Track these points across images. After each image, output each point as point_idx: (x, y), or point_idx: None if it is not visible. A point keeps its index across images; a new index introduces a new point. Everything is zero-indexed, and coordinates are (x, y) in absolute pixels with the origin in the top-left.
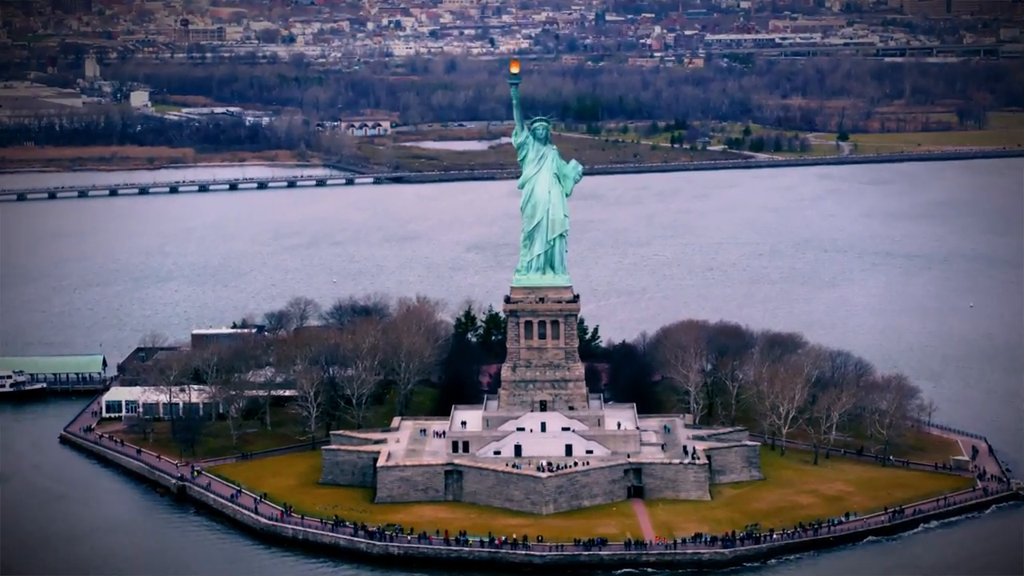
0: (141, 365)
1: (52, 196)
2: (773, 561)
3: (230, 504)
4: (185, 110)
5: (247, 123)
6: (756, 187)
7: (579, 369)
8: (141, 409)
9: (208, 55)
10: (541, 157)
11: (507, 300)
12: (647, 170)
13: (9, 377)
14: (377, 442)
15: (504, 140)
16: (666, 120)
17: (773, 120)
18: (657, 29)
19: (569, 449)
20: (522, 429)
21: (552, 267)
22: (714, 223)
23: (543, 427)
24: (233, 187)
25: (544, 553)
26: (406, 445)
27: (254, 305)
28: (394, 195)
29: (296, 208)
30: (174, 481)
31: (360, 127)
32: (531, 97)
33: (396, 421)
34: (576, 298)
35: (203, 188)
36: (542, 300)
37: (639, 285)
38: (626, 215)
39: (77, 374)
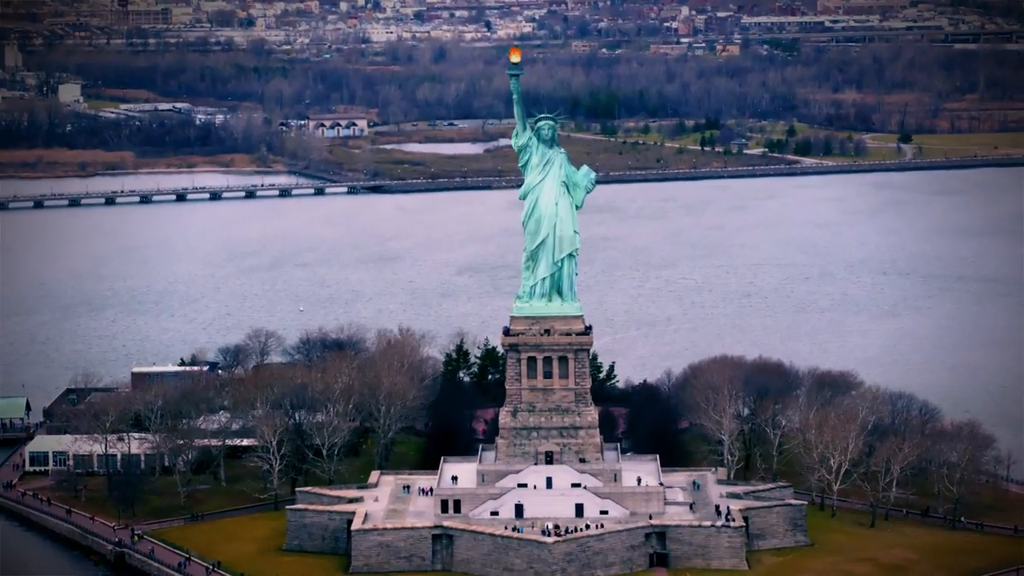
0: (71, 409)
1: None
2: None
3: (177, 575)
4: (124, 106)
5: (197, 122)
6: (802, 198)
7: (592, 414)
8: (72, 462)
9: (151, 41)
10: (546, 162)
11: (506, 332)
12: (672, 178)
13: None
14: (352, 501)
15: (503, 142)
16: (695, 118)
17: (822, 119)
18: (684, 10)
19: (580, 509)
20: (524, 485)
21: (560, 293)
22: (752, 241)
23: (549, 483)
24: (181, 198)
25: None
26: (386, 504)
27: (206, 338)
28: (372, 207)
29: (256, 223)
30: (111, 547)
31: (332, 127)
32: (535, 91)
33: (375, 476)
34: (588, 330)
35: (145, 199)
36: (548, 332)
37: (663, 314)
38: (647, 231)
39: None
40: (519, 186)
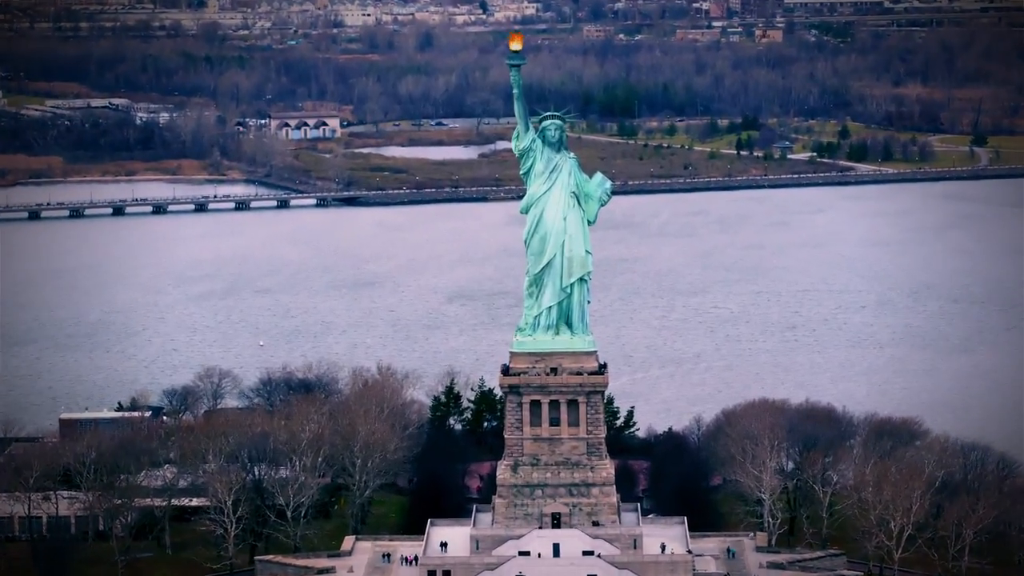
0: None
1: None
2: None
3: None
4: (50, 103)
5: (138, 121)
6: (856, 212)
7: (607, 469)
8: None
9: (83, 25)
10: (553, 169)
11: (505, 371)
12: (703, 187)
13: None
14: (322, 572)
15: (501, 145)
16: (729, 117)
17: (880, 117)
18: None
19: None
20: (526, 554)
21: (569, 325)
22: (797, 263)
23: (556, 551)
24: (119, 211)
25: None
26: (363, 575)
27: (148, 378)
28: (346, 223)
29: (208, 241)
30: None
31: (298, 127)
32: (539, 85)
33: (349, 542)
34: (603, 368)
35: (76, 213)
36: (555, 371)
37: (691, 350)
38: (673, 251)
39: None
40: (520, 197)
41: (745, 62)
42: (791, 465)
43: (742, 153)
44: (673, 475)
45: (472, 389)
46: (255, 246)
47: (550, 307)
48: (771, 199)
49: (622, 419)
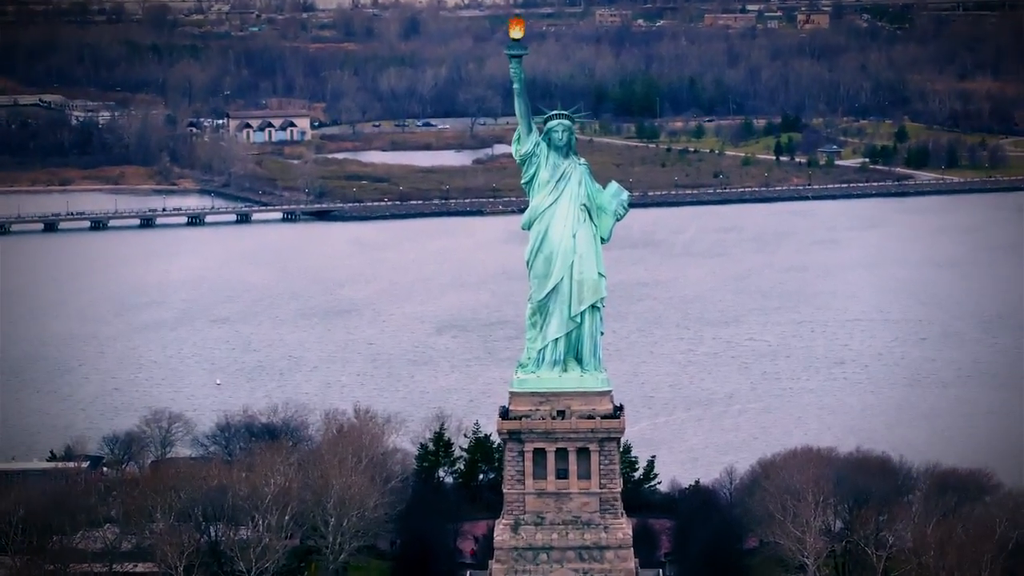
0: None
1: None
2: None
3: None
4: None
5: (74, 121)
6: (916, 227)
7: (623, 529)
8: None
9: (9, 9)
10: (560, 178)
11: (504, 415)
12: (736, 199)
13: None
14: None
15: (500, 150)
16: (767, 116)
17: (944, 117)
18: None
19: None
20: None
21: (579, 360)
22: (847, 287)
23: None
24: (51, 227)
25: None
26: None
27: (85, 423)
28: (317, 240)
29: (155, 262)
30: None
31: (261, 128)
32: (544, 78)
33: None
34: (619, 411)
35: (1, 229)
36: (562, 414)
37: (723, 390)
38: (701, 273)
39: None
40: (521, 211)
41: (785, 52)
42: (839, 525)
43: (782, 159)
44: (701, 536)
45: (465, 435)
46: (211, 268)
47: (557, 339)
48: (816, 212)
49: (641, 470)
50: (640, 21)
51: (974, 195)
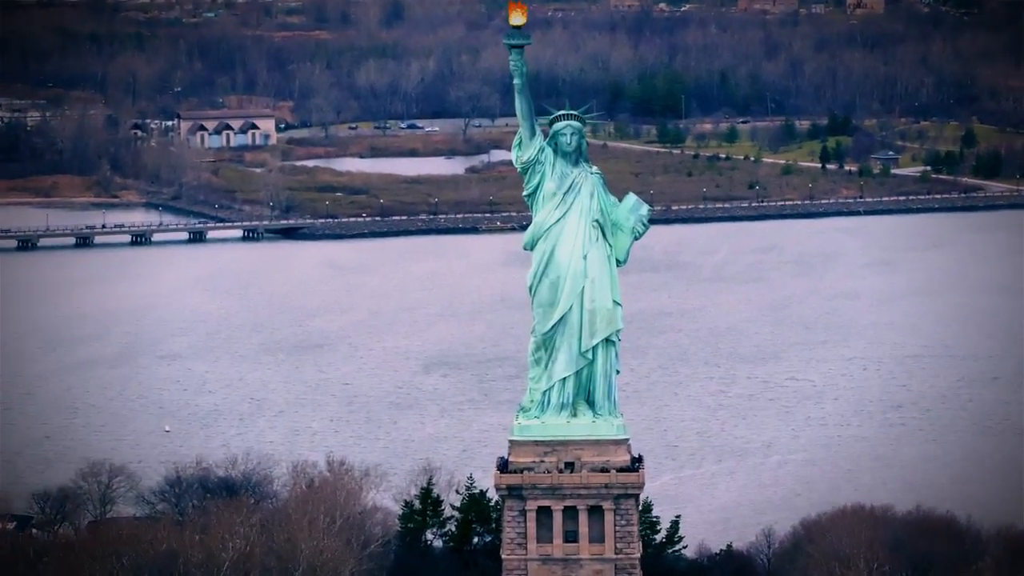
0: None
1: None
2: None
3: None
4: None
5: None
6: (985, 247)
7: None
8: None
9: None
10: (569, 189)
11: (503, 467)
12: (775, 214)
13: None
14: None
15: (498, 156)
16: (811, 118)
17: (1020, 118)
18: None
19: None
20: None
21: (590, 403)
22: (904, 318)
23: None
24: None
25: None
26: None
27: (11, 477)
28: (284, 263)
29: (93, 287)
30: None
31: (218, 130)
32: (550, 73)
33: None
34: (637, 463)
35: None
36: (571, 467)
37: (759, 438)
38: (734, 301)
39: None
40: (523, 228)
41: (833, 41)
42: None
43: (828, 167)
44: None
45: (457, 492)
46: (159, 295)
47: (564, 379)
48: (868, 230)
49: (664, 532)
50: (662, 5)
51: None
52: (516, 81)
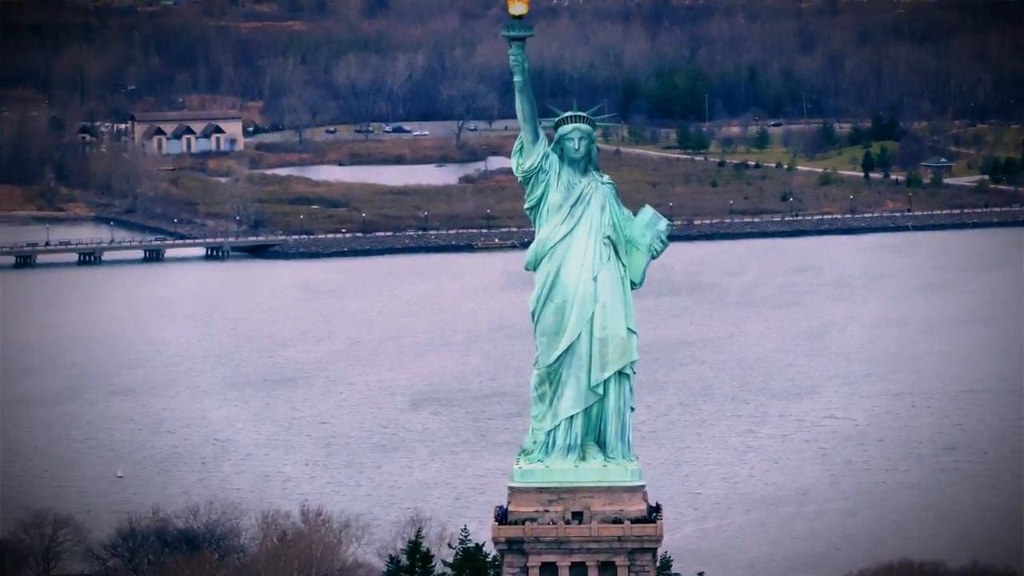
0: None
1: None
2: None
3: None
4: None
5: None
6: None
7: None
8: None
9: None
10: (577, 201)
11: (502, 518)
12: (811, 230)
13: None
14: None
15: (496, 163)
16: (852, 120)
17: None
18: None
19: None
20: None
21: (601, 444)
22: (958, 348)
23: None
24: None
25: None
26: None
27: None
28: (253, 285)
29: (35, 314)
30: None
31: (177, 134)
32: (556, 69)
33: None
34: (655, 513)
35: None
36: (579, 517)
37: (793, 484)
38: (765, 329)
39: None
40: (525, 245)
41: (877, 34)
42: None
43: (872, 176)
44: None
45: (450, 545)
46: (110, 321)
47: (572, 418)
48: (918, 247)
49: None
50: None
51: None
52: (517, 78)
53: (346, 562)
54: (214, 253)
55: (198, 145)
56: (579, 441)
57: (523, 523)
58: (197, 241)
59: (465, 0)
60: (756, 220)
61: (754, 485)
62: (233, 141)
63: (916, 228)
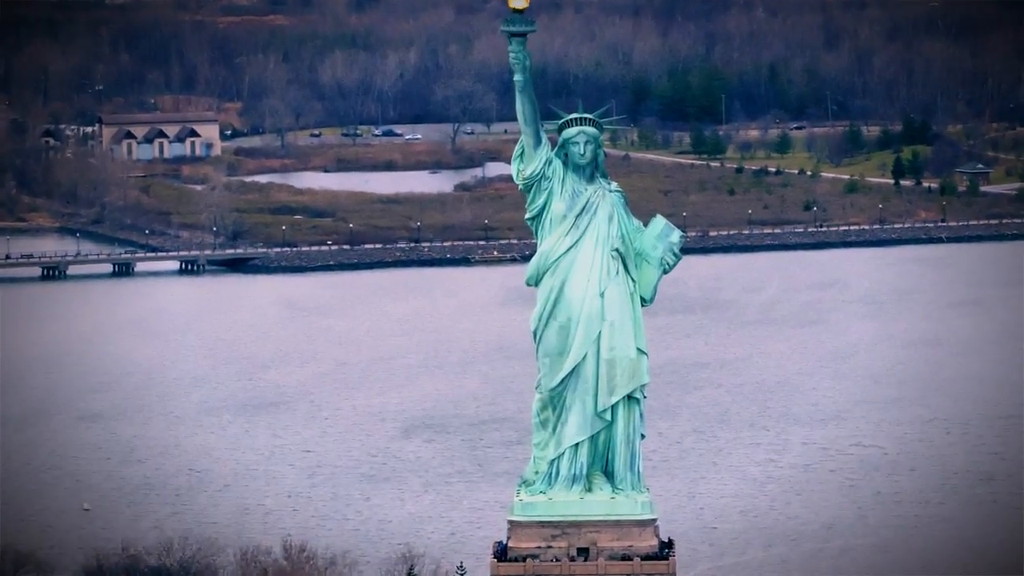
0: None
1: None
2: None
3: None
4: None
5: None
6: None
7: None
8: None
9: None
10: (583, 211)
11: (501, 555)
12: (836, 242)
13: None
14: None
15: (495, 170)
16: (882, 122)
17: None
18: None
19: None
20: None
21: (609, 474)
22: (996, 370)
23: None
24: None
25: None
26: None
27: None
28: (231, 301)
29: None
30: None
31: (149, 138)
32: (560, 68)
33: None
34: (667, 549)
35: None
36: (585, 554)
37: (818, 519)
38: (787, 349)
39: None
40: (526, 258)
41: (908, 29)
42: None
43: (903, 183)
44: None
45: None
46: (76, 340)
47: (577, 446)
48: (953, 260)
49: None
50: None
51: None
52: (517, 78)
53: None
54: (189, 267)
55: (171, 150)
56: (585, 471)
57: (524, 560)
58: (170, 254)
59: None
60: (777, 231)
61: (775, 519)
62: (209, 145)
63: (950, 240)
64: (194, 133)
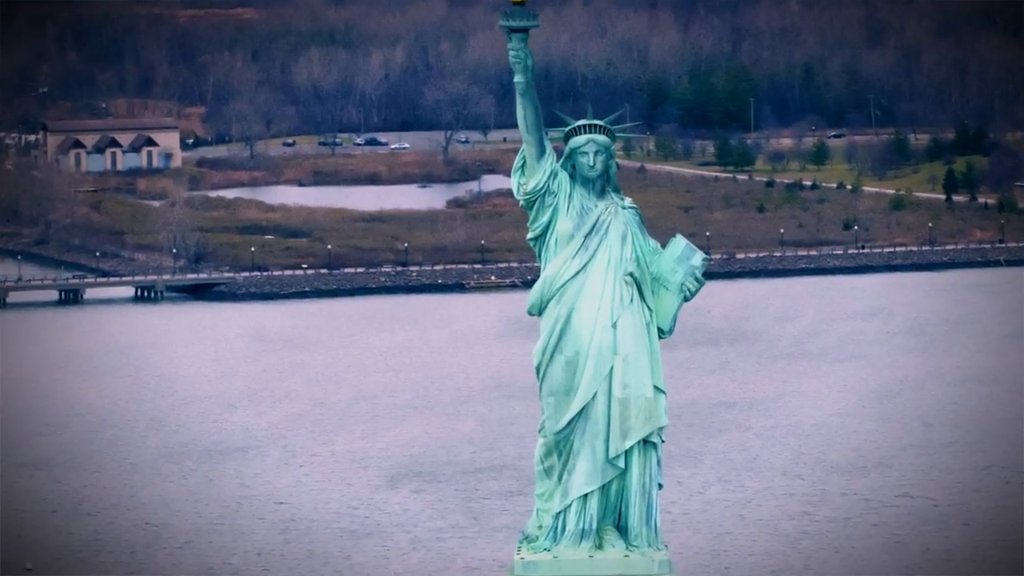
0: None
1: None
2: None
3: None
4: None
5: None
6: None
7: None
8: None
9: None
10: (593, 230)
11: None
12: (880, 266)
13: None
14: None
15: (492, 183)
16: (932, 130)
17: None
18: None
19: None
20: None
21: (622, 529)
22: None
23: None
24: None
25: None
26: None
27: None
28: (192, 332)
29: None
30: None
31: (100, 148)
32: (566, 68)
33: None
34: None
35: None
36: None
37: (853, 568)
38: (823, 387)
39: None
40: (528, 284)
41: (960, 24)
42: None
43: (955, 199)
44: None
45: None
46: (17, 377)
47: (586, 497)
48: (1012, 287)
49: None
50: None
51: None
52: (518, 79)
53: None
54: (145, 294)
55: (125, 161)
56: (595, 526)
57: None
58: (124, 279)
59: None
60: (813, 253)
61: (809, 570)
62: (168, 156)
63: (1009, 263)
64: (151, 142)
